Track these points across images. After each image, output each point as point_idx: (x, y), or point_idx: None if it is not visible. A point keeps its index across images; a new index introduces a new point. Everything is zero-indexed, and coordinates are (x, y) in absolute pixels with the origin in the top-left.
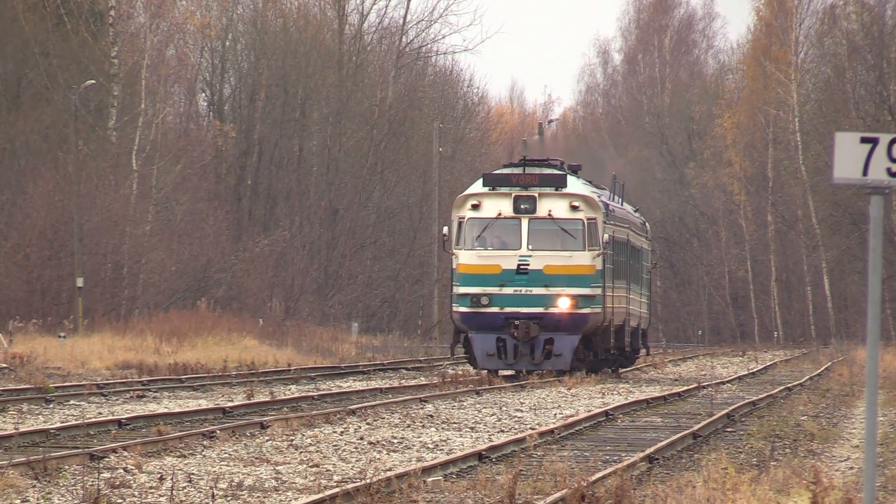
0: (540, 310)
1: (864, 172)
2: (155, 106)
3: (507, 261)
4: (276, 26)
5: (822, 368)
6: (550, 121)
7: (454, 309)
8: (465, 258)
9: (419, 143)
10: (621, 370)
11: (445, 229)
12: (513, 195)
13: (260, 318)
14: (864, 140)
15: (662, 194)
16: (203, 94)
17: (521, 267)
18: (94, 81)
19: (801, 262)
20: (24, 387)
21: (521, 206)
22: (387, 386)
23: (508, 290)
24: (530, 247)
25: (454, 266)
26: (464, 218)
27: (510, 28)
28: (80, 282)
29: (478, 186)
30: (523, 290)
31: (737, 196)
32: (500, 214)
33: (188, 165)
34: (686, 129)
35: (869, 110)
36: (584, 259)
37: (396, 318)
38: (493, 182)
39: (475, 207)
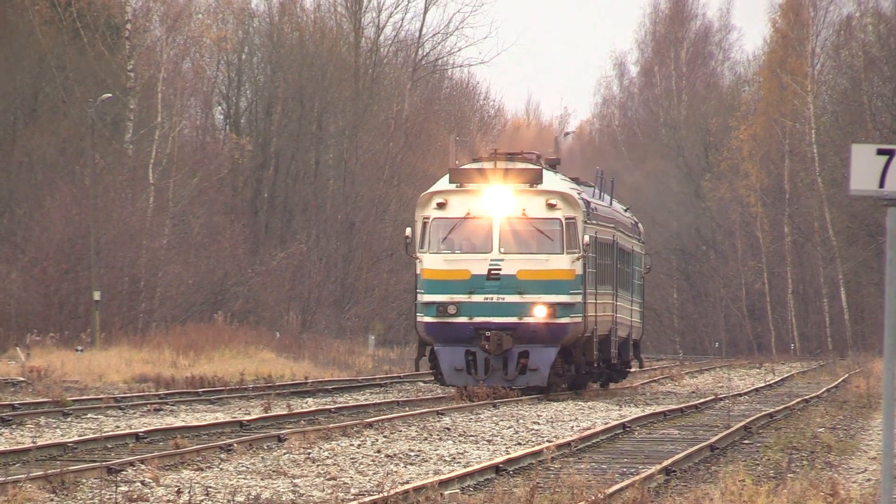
0: (513, 320)
1: (881, 184)
2: (171, 119)
3: (477, 265)
4: (292, 39)
5: (840, 380)
6: (567, 133)
7: (418, 319)
8: (430, 262)
9: (435, 155)
10: (612, 385)
11: (408, 231)
12: (483, 192)
13: (277, 332)
14: (880, 152)
15: (679, 206)
16: (219, 108)
17: (493, 272)
18: (110, 95)
19: (817, 273)
20: (42, 400)
21: (492, 205)
22: (404, 399)
23: (478, 298)
24: (502, 250)
25: (418, 271)
26: (428, 218)
27: (526, 41)
28: (97, 295)
29: (444, 183)
30: (495, 297)
31: (753, 208)
32: (468, 214)
33: (205, 178)
34: (702, 140)
35: (886, 122)
36: (562, 263)
37: (413, 331)
38: (460, 178)
39: (441, 206)
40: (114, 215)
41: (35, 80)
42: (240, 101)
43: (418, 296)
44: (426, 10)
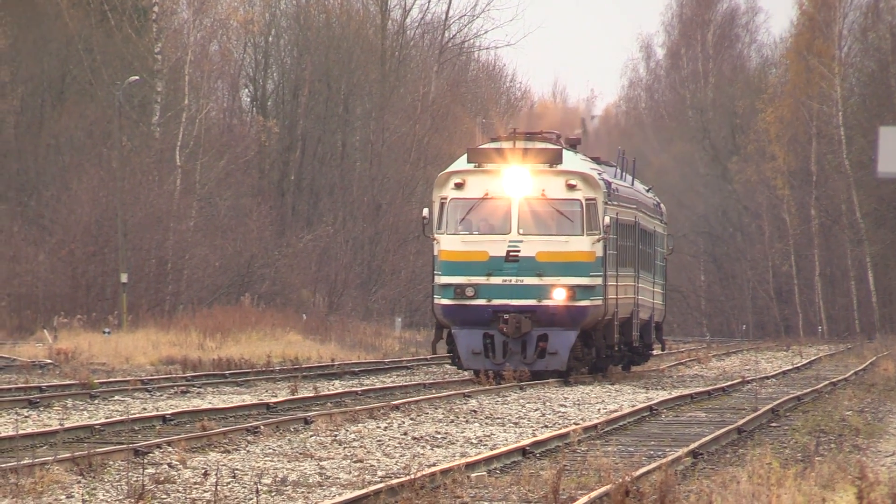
0: (532, 302)
1: None
2: (198, 102)
3: (495, 247)
4: (319, 22)
5: (867, 363)
6: (593, 116)
7: (435, 301)
8: (448, 244)
9: (462, 138)
10: (633, 368)
11: (426, 211)
12: (501, 172)
13: (303, 314)
14: None
15: (706, 189)
16: (246, 90)
17: (511, 254)
18: (137, 77)
19: (845, 256)
20: (69, 382)
21: (511, 185)
22: (430, 381)
23: (497, 280)
24: (521, 231)
25: (435, 253)
26: (446, 198)
27: (552, 23)
28: (124, 277)
29: (462, 163)
30: (513, 279)
31: (780, 190)
32: (486, 194)
33: (232, 161)
34: (729, 123)
35: None
36: (582, 244)
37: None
38: (478, 158)
39: (459, 186)
40: (141, 198)
41: (62, 63)
42: (267, 83)
43: (435, 277)
44: None
